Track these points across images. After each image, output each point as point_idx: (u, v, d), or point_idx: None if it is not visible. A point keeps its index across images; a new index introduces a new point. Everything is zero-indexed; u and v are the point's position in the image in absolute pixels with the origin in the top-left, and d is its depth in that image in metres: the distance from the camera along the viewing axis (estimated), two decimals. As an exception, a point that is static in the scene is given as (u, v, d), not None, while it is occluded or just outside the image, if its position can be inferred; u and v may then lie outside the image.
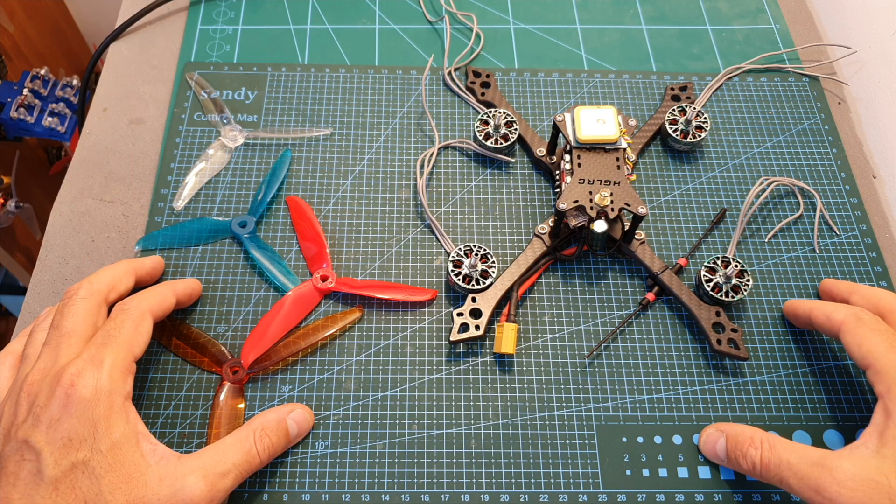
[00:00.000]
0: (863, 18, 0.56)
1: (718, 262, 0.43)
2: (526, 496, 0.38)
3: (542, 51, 0.56)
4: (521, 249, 0.46)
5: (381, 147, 0.50)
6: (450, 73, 0.53)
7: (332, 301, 0.44)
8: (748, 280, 0.43)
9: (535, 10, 0.59)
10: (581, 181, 0.43)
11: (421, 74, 0.54)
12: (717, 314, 0.42)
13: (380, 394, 0.41)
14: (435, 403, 0.41)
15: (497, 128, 0.49)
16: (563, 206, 0.42)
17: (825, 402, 0.41)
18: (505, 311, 0.42)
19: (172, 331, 0.42)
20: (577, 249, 0.44)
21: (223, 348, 0.41)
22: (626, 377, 0.42)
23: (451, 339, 0.41)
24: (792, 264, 0.46)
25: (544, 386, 0.41)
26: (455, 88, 0.53)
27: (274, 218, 0.47)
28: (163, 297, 0.38)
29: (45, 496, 0.29)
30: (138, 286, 0.40)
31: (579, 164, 0.43)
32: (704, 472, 0.39)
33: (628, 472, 0.39)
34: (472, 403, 0.41)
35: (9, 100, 0.72)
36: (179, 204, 0.47)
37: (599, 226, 0.41)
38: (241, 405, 0.39)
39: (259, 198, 0.47)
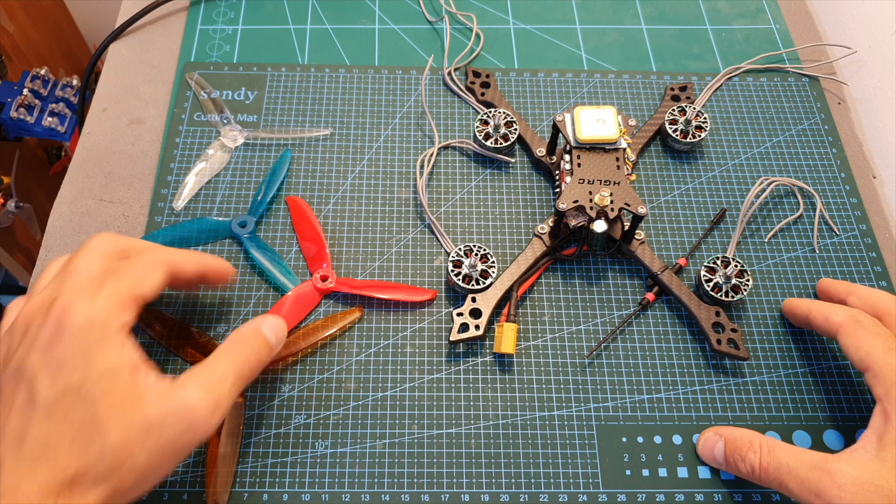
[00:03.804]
0: (863, 18, 0.56)
1: (718, 262, 0.43)
2: (526, 496, 0.38)
3: (542, 51, 0.56)
4: (521, 249, 0.46)
5: (381, 147, 0.50)
6: (450, 73, 0.53)
7: (331, 301, 0.44)
8: (748, 280, 0.43)
9: (535, 10, 0.59)
10: (581, 181, 0.43)
11: (421, 74, 0.54)
12: (717, 314, 0.42)
13: (380, 394, 0.41)
14: (435, 403, 0.41)
15: (497, 128, 0.49)
16: (563, 206, 0.42)
17: (825, 402, 0.41)
18: (505, 311, 0.42)
19: (173, 331, 0.42)
20: (577, 249, 0.44)
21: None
22: (626, 377, 0.42)
23: (451, 339, 0.41)
24: (792, 264, 0.46)
25: (544, 386, 0.41)
26: (455, 88, 0.53)
27: (274, 218, 0.47)
28: (187, 256, 0.37)
29: (40, 421, 0.29)
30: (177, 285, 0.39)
31: (579, 164, 0.43)
32: (704, 472, 0.39)
33: (628, 472, 0.39)
34: (472, 403, 0.41)
35: (9, 100, 0.72)
36: (179, 204, 0.47)
37: (599, 226, 0.41)
38: (241, 405, 0.39)
39: (259, 198, 0.47)
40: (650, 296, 0.44)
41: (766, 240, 0.47)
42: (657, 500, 0.38)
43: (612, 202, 0.42)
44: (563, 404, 0.41)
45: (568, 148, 0.45)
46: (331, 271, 0.44)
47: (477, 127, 0.49)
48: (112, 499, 0.29)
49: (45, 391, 0.29)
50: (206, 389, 0.32)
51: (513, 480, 0.38)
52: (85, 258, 0.33)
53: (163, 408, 0.30)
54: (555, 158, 0.48)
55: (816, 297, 0.45)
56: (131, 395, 0.30)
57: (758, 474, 0.35)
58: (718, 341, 0.41)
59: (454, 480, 0.38)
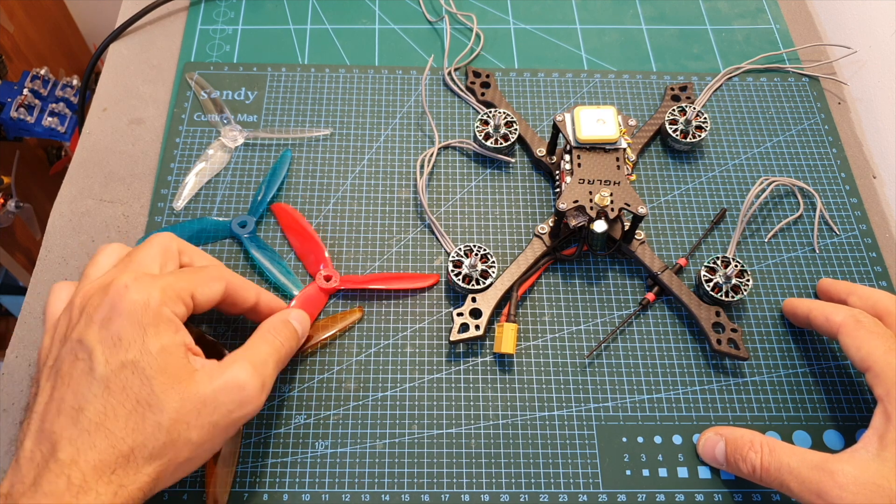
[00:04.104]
0: (863, 18, 0.56)
1: (718, 262, 0.43)
2: (526, 496, 0.38)
3: (542, 51, 0.56)
4: (521, 249, 0.46)
5: (381, 147, 0.50)
6: (450, 73, 0.53)
7: (332, 300, 0.44)
8: (748, 280, 0.43)
9: (535, 10, 0.59)
10: (581, 181, 0.43)
11: (421, 74, 0.54)
12: (717, 314, 0.42)
13: (380, 394, 0.41)
14: (435, 403, 0.41)
15: (497, 128, 0.49)
16: (563, 206, 0.42)
17: (825, 402, 0.41)
18: (505, 311, 0.42)
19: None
20: (577, 249, 0.44)
21: (224, 349, 0.41)
22: (626, 377, 0.42)
23: (451, 339, 0.41)
24: (792, 264, 0.46)
25: (544, 386, 0.41)
26: (455, 88, 0.53)
27: (275, 219, 0.47)
28: (245, 286, 0.38)
29: (97, 394, 0.29)
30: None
31: (579, 164, 0.43)
32: (704, 472, 0.39)
33: (628, 472, 0.39)
34: (472, 403, 0.41)
35: (9, 100, 0.72)
36: (179, 204, 0.47)
37: (599, 226, 0.41)
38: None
39: (259, 198, 0.47)
40: (650, 296, 0.44)
41: (766, 240, 0.47)
42: (657, 500, 0.38)
43: (612, 202, 0.42)
44: (563, 404, 0.41)
45: (568, 148, 0.45)
46: (333, 270, 0.44)
47: (477, 127, 0.49)
48: (165, 474, 0.30)
49: (102, 365, 0.30)
50: (253, 368, 0.33)
51: (513, 480, 0.38)
52: (146, 251, 0.35)
53: (215, 385, 0.31)
54: (555, 158, 0.48)
55: (816, 297, 0.45)
56: (185, 373, 0.31)
57: (759, 474, 0.35)
58: (718, 341, 0.41)
59: (454, 480, 0.38)
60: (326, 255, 0.45)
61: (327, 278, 0.43)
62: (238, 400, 0.32)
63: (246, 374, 0.32)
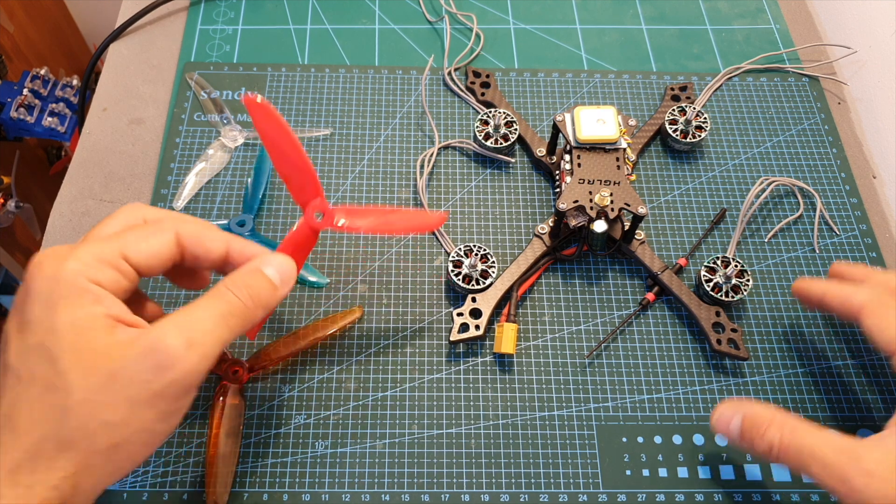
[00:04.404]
0: (863, 18, 0.56)
1: (718, 262, 0.43)
2: (526, 496, 0.38)
3: (542, 51, 0.56)
4: (521, 249, 0.46)
5: (381, 147, 0.50)
6: (450, 73, 0.53)
7: (331, 301, 0.44)
8: (748, 280, 0.43)
9: (535, 10, 0.59)
10: (581, 181, 0.43)
11: (421, 74, 0.54)
12: (717, 314, 0.42)
13: (380, 394, 0.41)
14: (435, 403, 0.41)
15: (497, 128, 0.49)
16: (563, 206, 0.42)
17: (825, 402, 0.41)
18: (505, 311, 0.42)
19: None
20: (577, 249, 0.44)
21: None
22: (626, 377, 0.42)
23: (451, 339, 0.41)
24: (792, 264, 0.46)
25: (544, 386, 0.41)
26: (455, 88, 0.53)
27: (273, 218, 0.47)
28: (212, 233, 0.32)
29: (10, 390, 0.26)
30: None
31: (579, 164, 0.43)
32: (704, 472, 0.39)
33: (628, 472, 0.39)
34: (472, 403, 0.41)
35: (9, 100, 0.72)
36: (179, 204, 0.47)
37: (599, 226, 0.41)
38: (241, 405, 0.39)
39: (250, 193, 0.46)
40: (650, 296, 0.44)
41: (766, 240, 0.47)
42: (657, 500, 0.38)
43: (612, 202, 0.42)
44: (563, 404, 0.41)
45: (568, 148, 0.45)
46: (325, 204, 0.35)
47: (477, 127, 0.49)
48: (86, 467, 0.26)
49: (13, 355, 0.27)
50: (179, 326, 0.28)
51: (513, 480, 0.38)
52: (103, 225, 0.31)
53: (128, 352, 0.27)
54: (555, 158, 0.48)
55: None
56: (100, 348, 0.27)
57: (776, 454, 0.32)
58: (718, 341, 0.41)
59: (454, 480, 0.38)
60: (319, 182, 0.35)
61: (322, 212, 0.35)
62: (155, 363, 0.27)
63: (163, 332, 0.27)
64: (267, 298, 0.31)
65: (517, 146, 0.51)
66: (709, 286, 0.42)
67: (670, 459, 0.39)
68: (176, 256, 0.31)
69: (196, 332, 0.28)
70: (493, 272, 0.43)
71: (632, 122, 0.45)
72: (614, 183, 0.43)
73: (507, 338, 0.41)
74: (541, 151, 0.49)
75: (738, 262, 0.43)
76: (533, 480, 0.38)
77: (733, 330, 0.42)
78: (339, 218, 0.35)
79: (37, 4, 0.87)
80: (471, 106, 0.52)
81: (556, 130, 0.46)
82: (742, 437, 0.34)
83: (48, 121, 0.74)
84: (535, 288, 0.45)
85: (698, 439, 0.40)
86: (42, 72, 0.76)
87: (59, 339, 0.26)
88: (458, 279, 0.43)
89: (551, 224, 0.45)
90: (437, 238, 0.46)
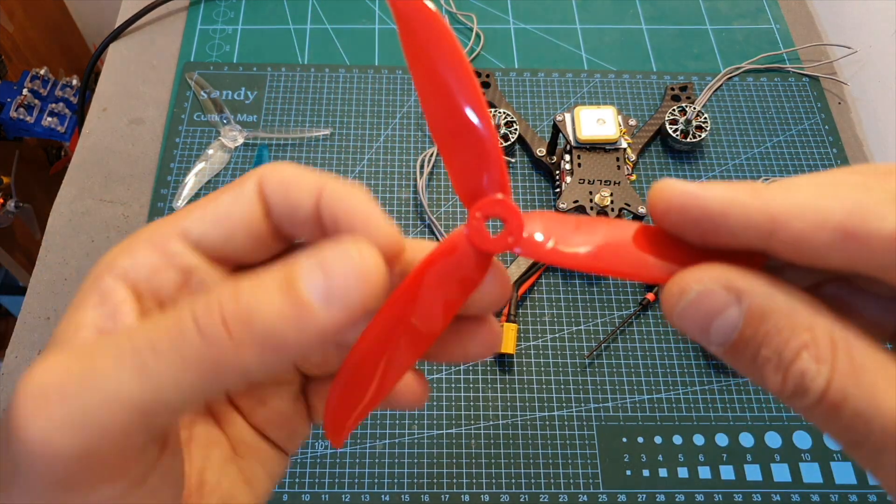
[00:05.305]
0: (863, 18, 0.56)
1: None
2: (526, 496, 0.38)
3: (542, 51, 0.56)
4: (521, 249, 0.46)
5: (381, 147, 0.50)
6: (450, 73, 0.53)
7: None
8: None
9: (535, 10, 0.59)
10: (581, 181, 0.43)
11: (421, 74, 0.54)
12: (717, 314, 0.42)
13: (380, 394, 0.41)
14: (435, 403, 0.41)
15: (497, 128, 0.49)
16: (563, 205, 0.42)
17: (825, 402, 0.41)
18: (505, 311, 0.42)
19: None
20: (577, 249, 0.44)
21: None
22: (626, 377, 0.42)
23: (451, 339, 0.41)
24: (792, 264, 0.46)
25: (544, 386, 0.41)
26: (455, 88, 0.53)
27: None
28: (297, 175, 0.19)
29: None
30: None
31: (579, 164, 0.43)
32: (704, 473, 0.39)
33: (628, 472, 0.39)
34: (472, 404, 0.41)
35: (9, 100, 0.72)
36: (179, 204, 0.47)
37: (599, 226, 0.41)
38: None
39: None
40: (650, 296, 0.44)
41: (766, 240, 0.47)
42: (657, 500, 0.38)
43: (612, 202, 0.42)
44: (563, 404, 0.41)
45: (568, 148, 0.45)
46: (512, 207, 0.18)
47: (477, 127, 0.49)
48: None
49: None
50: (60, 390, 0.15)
51: (513, 480, 0.38)
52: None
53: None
54: (555, 158, 0.48)
55: None
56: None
57: (811, 400, 0.15)
58: (718, 341, 0.41)
59: (454, 481, 0.38)
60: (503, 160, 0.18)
61: (495, 218, 0.18)
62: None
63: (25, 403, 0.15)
64: (270, 329, 0.15)
65: (517, 146, 0.51)
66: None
67: (670, 460, 0.39)
68: (257, 220, 0.19)
69: (81, 403, 0.14)
70: (493, 272, 0.43)
71: (632, 122, 0.45)
72: (614, 183, 0.42)
73: (507, 338, 0.41)
74: (541, 151, 0.49)
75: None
76: (533, 481, 0.38)
77: (733, 330, 0.42)
78: (537, 231, 0.18)
79: (37, 4, 0.87)
80: (471, 106, 0.52)
81: (556, 130, 0.46)
82: (734, 348, 0.16)
83: (48, 121, 0.74)
84: (535, 288, 0.45)
85: (698, 439, 0.40)
86: (42, 72, 0.76)
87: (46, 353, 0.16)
88: (458, 279, 0.43)
89: (551, 224, 0.45)
90: (437, 238, 0.46)
